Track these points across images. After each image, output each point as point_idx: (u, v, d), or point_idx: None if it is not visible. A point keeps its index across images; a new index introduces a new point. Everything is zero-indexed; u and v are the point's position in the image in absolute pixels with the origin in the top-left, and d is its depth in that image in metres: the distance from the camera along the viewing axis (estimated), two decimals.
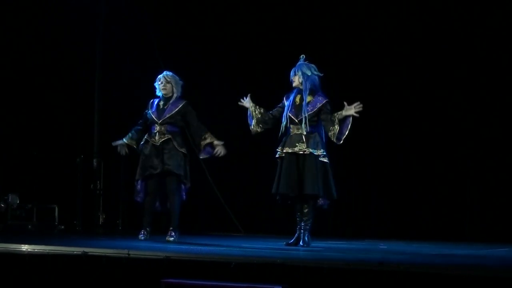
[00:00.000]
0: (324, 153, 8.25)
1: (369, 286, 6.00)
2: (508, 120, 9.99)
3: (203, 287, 6.27)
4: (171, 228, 8.82)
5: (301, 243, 8.22)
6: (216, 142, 8.89)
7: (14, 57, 12.16)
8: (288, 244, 8.28)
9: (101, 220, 11.76)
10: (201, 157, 9.08)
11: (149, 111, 8.97)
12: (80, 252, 7.02)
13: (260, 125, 8.57)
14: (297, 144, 8.24)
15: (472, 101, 10.16)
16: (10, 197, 11.34)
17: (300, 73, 8.32)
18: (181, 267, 6.58)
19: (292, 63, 8.60)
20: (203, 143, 8.90)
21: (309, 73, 8.31)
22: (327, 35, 10.74)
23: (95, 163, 11.86)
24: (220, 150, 8.89)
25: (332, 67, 10.57)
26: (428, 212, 10.27)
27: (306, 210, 8.25)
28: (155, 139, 8.86)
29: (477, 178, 10.13)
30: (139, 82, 11.16)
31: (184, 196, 8.95)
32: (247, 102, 8.64)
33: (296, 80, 8.35)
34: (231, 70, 11.26)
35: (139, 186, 8.96)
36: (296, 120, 8.28)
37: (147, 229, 8.88)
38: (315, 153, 8.19)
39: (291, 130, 8.31)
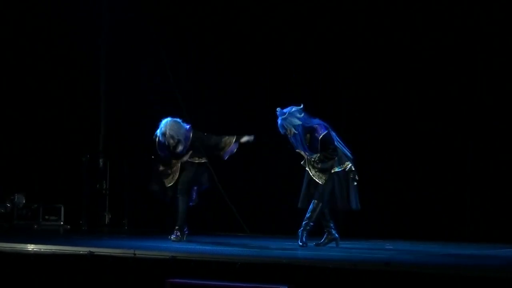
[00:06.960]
0: (339, 168, 8.34)
1: (375, 286, 5.99)
2: (508, 120, 9.95)
3: (208, 287, 6.28)
4: (176, 227, 8.85)
5: (299, 242, 8.25)
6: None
7: (20, 58, 12.16)
8: (317, 245, 8.36)
9: (107, 219, 11.76)
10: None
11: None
12: (86, 252, 7.03)
13: None
14: (310, 168, 8.37)
15: (472, 101, 10.13)
16: (16, 197, 11.36)
17: (291, 127, 8.24)
18: (187, 267, 6.58)
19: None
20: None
21: (298, 122, 8.23)
22: (327, 35, 10.71)
23: (101, 163, 11.87)
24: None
25: (332, 67, 10.57)
26: (433, 212, 10.23)
27: (309, 214, 8.29)
28: None
29: (478, 179, 10.09)
30: (145, 81, 11.16)
31: (194, 196, 9.02)
32: None
33: (290, 133, 8.29)
34: (235, 72, 11.23)
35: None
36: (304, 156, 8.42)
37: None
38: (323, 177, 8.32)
39: None
